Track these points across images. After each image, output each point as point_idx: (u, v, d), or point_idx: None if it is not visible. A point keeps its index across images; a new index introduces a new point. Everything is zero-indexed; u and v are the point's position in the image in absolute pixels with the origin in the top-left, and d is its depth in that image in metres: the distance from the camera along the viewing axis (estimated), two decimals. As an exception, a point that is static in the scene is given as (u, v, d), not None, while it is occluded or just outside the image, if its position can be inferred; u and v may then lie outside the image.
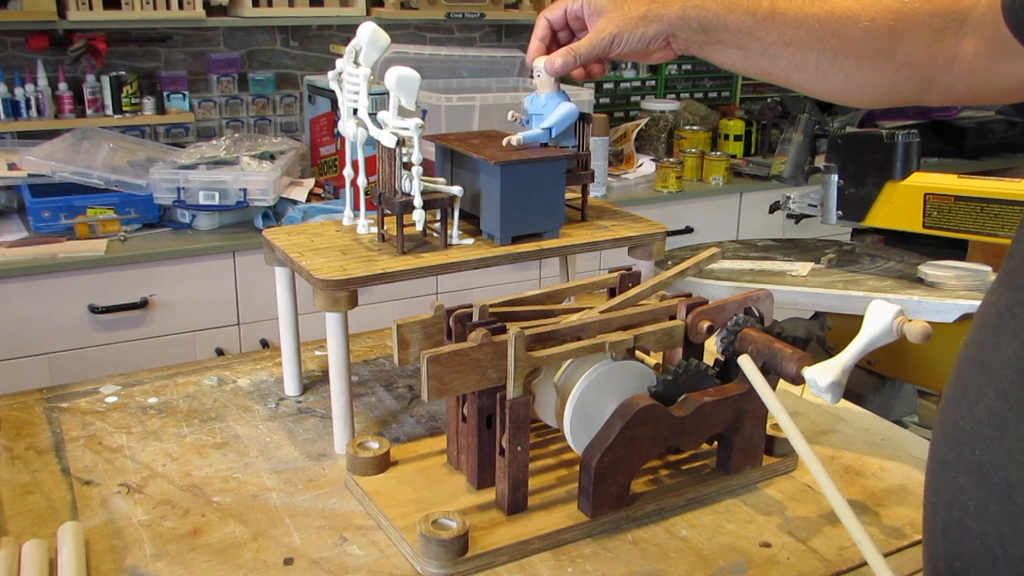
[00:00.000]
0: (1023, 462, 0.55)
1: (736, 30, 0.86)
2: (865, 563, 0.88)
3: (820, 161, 1.69)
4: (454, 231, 1.10)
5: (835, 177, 1.61)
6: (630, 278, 1.04)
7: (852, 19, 0.81)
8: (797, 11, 0.84)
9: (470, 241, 1.10)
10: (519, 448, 0.89)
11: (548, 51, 1.05)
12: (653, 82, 3.58)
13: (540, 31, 1.01)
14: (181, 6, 2.62)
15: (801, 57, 0.84)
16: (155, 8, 2.59)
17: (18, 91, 2.59)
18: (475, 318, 0.93)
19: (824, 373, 0.87)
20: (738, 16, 0.86)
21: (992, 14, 0.75)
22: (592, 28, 0.98)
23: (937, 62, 0.79)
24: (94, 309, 2.24)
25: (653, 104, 3.47)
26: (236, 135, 2.71)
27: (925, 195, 1.49)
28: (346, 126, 1.09)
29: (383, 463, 0.99)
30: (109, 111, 2.72)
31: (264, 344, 2.43)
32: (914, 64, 0.80)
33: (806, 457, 0.83)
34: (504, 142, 1.13)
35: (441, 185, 1.09)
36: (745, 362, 0.92)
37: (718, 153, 3.25)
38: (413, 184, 1.04)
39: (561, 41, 1.05)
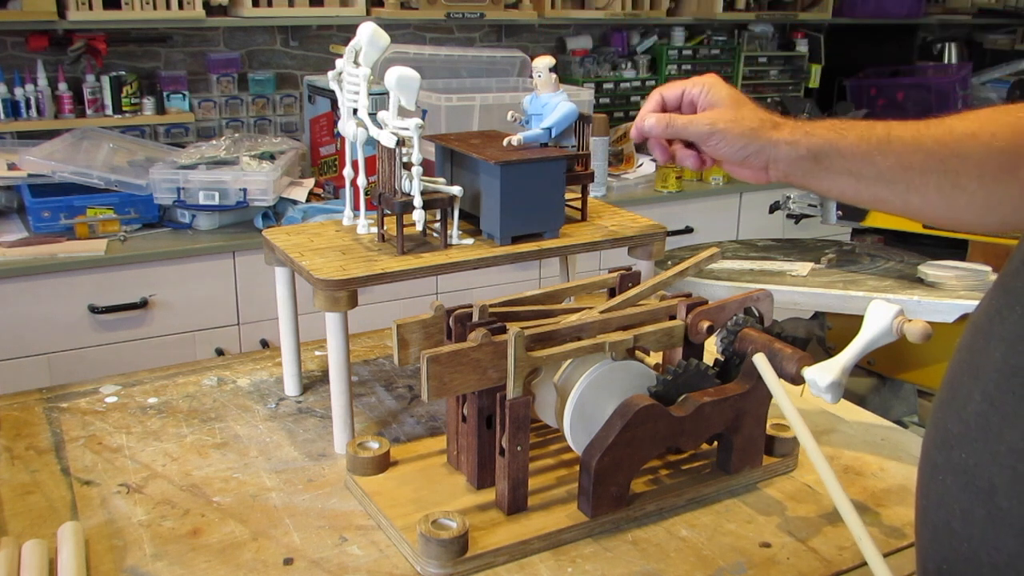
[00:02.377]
0: (1006, 465, 0.55)
1: (850, 156, 0.83)
2: (864, 564, 0.88)
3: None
4: (454, 231, 1.10)
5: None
6: (630, 278, 1.04)
7: (971, 137, 0.79)
8: (914, 134, 0.81)
9: (470, 241, 1.10)
10: (519, 448, 0.89)
11: None
12: (653, 82, 3.58)
13: (651, 104, 0.96)
14: (181, 6, 2.62)
15: (920, 181, 0.81)
16: (155, 8, 2.59)
17: (18, 91, 2.59)
18: (475, 318, 0.93)
19: (824, 373, 0.87)
20: (851, 141, 0.83)
21: None
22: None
23: None
24: (94, 309, 2.24)
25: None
26: (236, 135, 2.71)
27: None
28: (346, 126, 1.09)
29: (383, 463, 0.99)
30: (109, 111, 2.72)
31: (264, 344, 2.43)
32: None
33: (815, 459, 0.83)
34: (504, 142, 1.13)
35: (441, 185, 1.09)
36: (760, 360, 0.92)
37: (718, 153, 3.24)
38: (413, 184, 1.04)
39: None
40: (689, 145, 0.96)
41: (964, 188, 0.80)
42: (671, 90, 0.96)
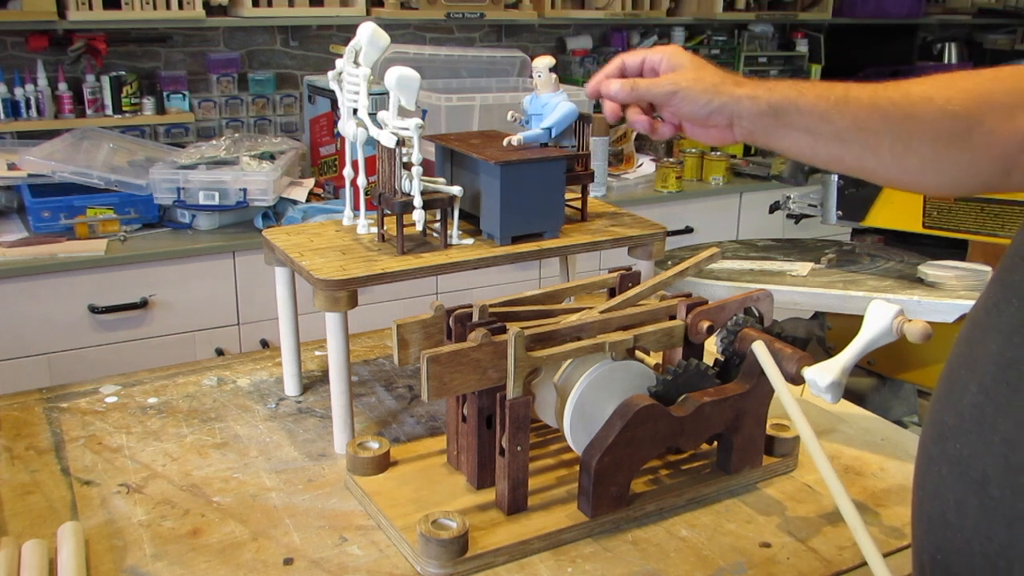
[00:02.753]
0: (999, 456, 0.55)
1: (808, 113, 0.84)
2: (864, 564, 0.88)
3: (820, 161, 1.69)
4: (454, 231, 1.10)
5: (835, 177, 1.61)
6: (630, 278, 1.04)
7: (926, 100, 0.80)
8: (871, 95, 0.82)
9: (470, 241, 1.10)
10: (519, 448, 0.89)
11: None
12: (653, 82, 3.59)
13: (611, 68, 0.97)
14: (181, 6, 2.62)
15: (875, 141, 0.82)
16: (155, 8, 2.59)
17: (18, 91, 2.59)
18: (475, 318, 0.93)
19: (824, 373, 0.87)
20: (810, 100, 0.84)
21: None
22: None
23: (1013, 143, 0.77)
24: (94, 309, 2.24)
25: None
26: (236, 135, 2.71)
27: (925, 195, 1.49)
28: (346, 126, 1.09)
29: (383, 463, 0.99)
30: (109, 111, 2.72)
31: (264, 344, 2.42)
32: (991, 145, 0.78)
33: (813, 449, 0.83)
34: (504, 142, 1.13)
35: (441, 185, 1.09)
36: (759, 348, 0.91)
37: (718, 153, 3.25)
38: (413, 184, 1.04)
39: None
40: (646, 112, 0.97)
41: (916, 151, 0.81)
42: (632, 57, 0.97)
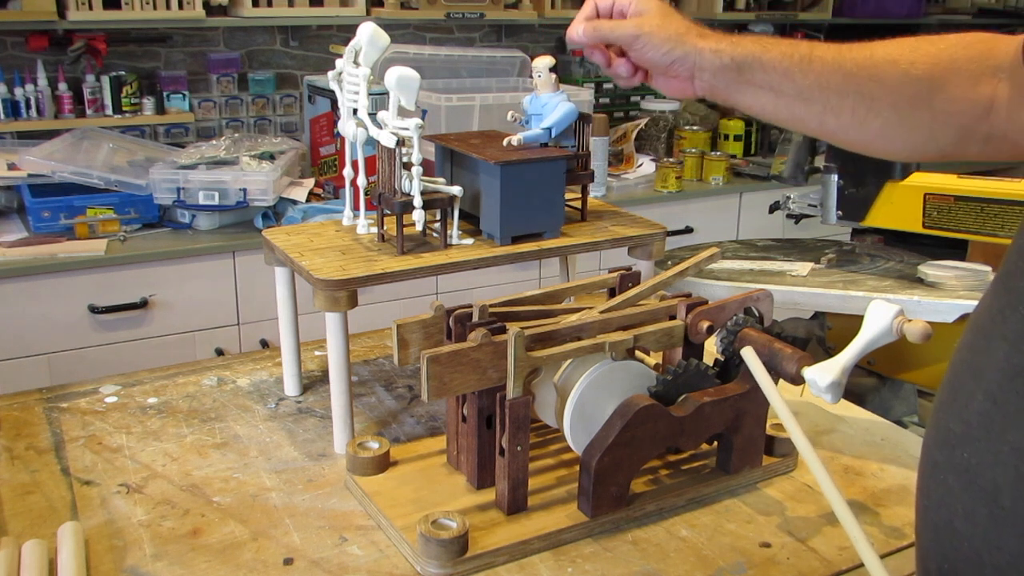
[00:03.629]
0: (1009, 465, 0.55)
1: (772, 69, 0.84)
2: (864, 564, 0.88)
3: (820, 161, 1.69)
4: (454, 231, 1.10)
5: (835, 177, 1.61)
6: (630, 278, 1.04)
7: (891, 63, 0.79)
8: (835, 55, 0.82)
9: (470, 241, 1.10)
10: (519, 448, 0.89)
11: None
12: (653, 82, 3.59)
13: (586, 9, 0.97)
14: (181, 6, 2.62)
15: (837, 102, 0.82)
16: (155, 8, 2.59)
17: (18, 91, 2.59)
18: (475, 318, 0.93)
19: (824, 373, 0.87)
20: (774, 56, 0.84)
21: (1019, 59, 0.74)
22: None
23: (975, 111, 0.77)
24: (94, 309, 2.24)
25: (653, 104, 3.47)
26: (236, 135, 2.71)
27: (925, 195, 1.49)
28: (346, 126, 1.09)
29: (383, 463, 0.99)
30: (109, 111, 2.72)
31: (264, 344, 2.42)
32: (952, 112, 0.78)
33: (804, 452, 0.83)
34: (504, 142, 1.13)
35: (441, 185, 1.09)
36: (748, 354, 0.92)
37: (718, 153, 3.25)
38: (413, 184, 1.04)
39: None
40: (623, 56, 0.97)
41: (879, 113, 0.81)
42: (604, 0, 0.97)
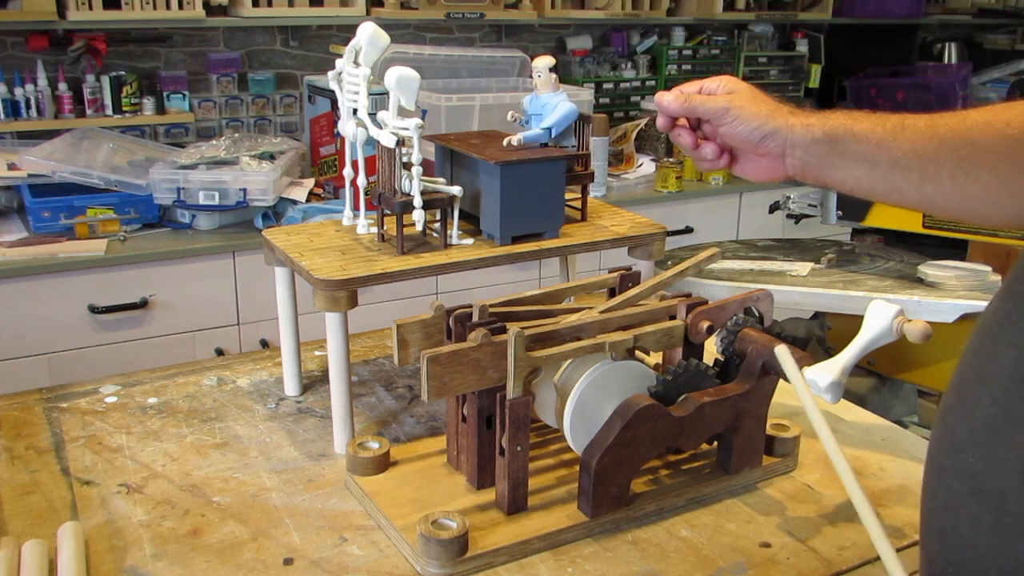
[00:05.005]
0: (1015, 471, 0.55)
1: (864, 140, 0.83)
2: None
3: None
4: (454, 231, 1.10)
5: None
6: (630, 278, 1.04)
7: (985, 125, 0.78)
8: (927, 122, 0.81)
9: (470, 241, 1.10)
10: (519, 448, 0.89)
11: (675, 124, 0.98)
12: (653, 82, 3.58)
13: (676, 89, 0.97)
14: (181, 6, 2.62)
15: (934, 169, 0.80)
16: (155, 8, 2.59)
17: (18, 91, 2.58)
18: (475, 318, 0.93)
19: (824, 373, 0.87)
20: (866, 127, 0.83)
21: None
22: None
23: None
24: (94, 309, 2.24)
25: (653, 104, 3.47)
26: (236, 135, 2.70)
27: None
28: (346, 126, 1.09)
29: (383, 463, 0.99)
30: (109, 111, 2.72)
31: (264, 344, 2.42)
32: None
33: (832, 454, 0.81)
34: (504, 142, 1.13)
35: (441, 185, 1.09)
36: (782, 353, 0.91)
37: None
38: (413, 184, 1.04)
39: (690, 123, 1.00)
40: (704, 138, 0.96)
41: (978, 177, 0.78)
42: (691, 85, 0.96)
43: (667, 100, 0.94)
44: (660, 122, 0.97)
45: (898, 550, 0.91)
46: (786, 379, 0.92)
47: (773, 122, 0.88)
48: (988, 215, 0.83)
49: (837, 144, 0.85)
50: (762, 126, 0.88)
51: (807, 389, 0.87)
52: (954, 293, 1.43)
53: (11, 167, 2.35)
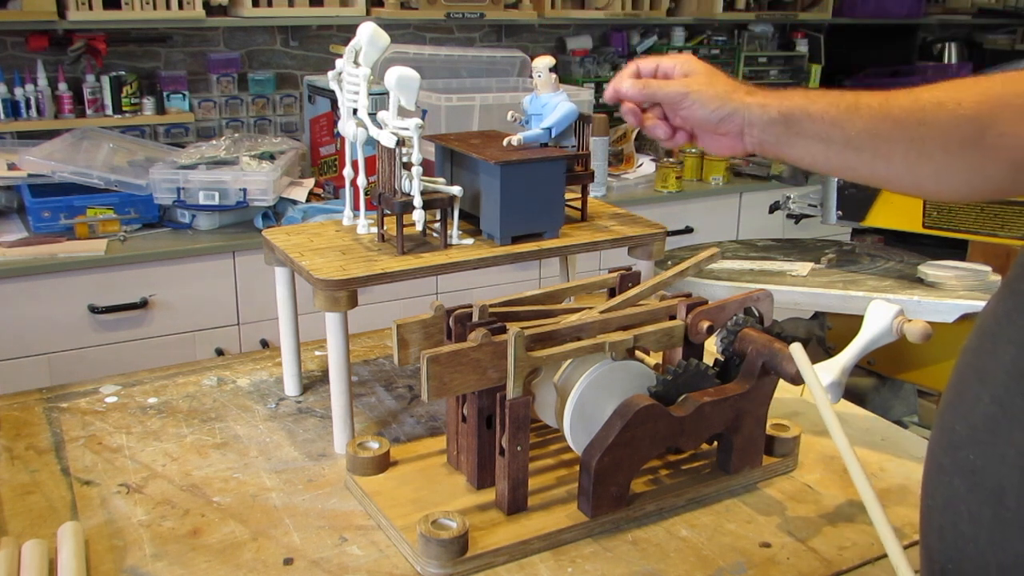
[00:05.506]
0: (1015, 468, 0.55)
1: (819, 120, 0.84)
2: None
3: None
4: (454, 231, 1.10)
5: (835, 177, 1.61)
6: (630, 278, 1.04)
7: (937, 106, 0.79)
8: (881, 102, 0.82)
9: (470, 241, 1.10)
10: (519, 448, 0.89)
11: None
12: (653, 82, 3.58)
13: (629, 69, 0.97)
14: (181, 6, 2.62)
15: (887, 148, 0.82)
16: (155, 8, 2.59)
17: (18, 91, 2.58)
18: (475, 318, 0.93)
19: (824, 373, 0.87)
20: (821, 107, 0.84)
21: None
22: None
23: None
24: (94, 309, 2.24)
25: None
26: (236, 135, 2.70)
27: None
28: (346, 126, 1.09)
29: (383, 463, 0.99)
30: (109, 111, 2.72)
31: (264, 344, 2.42)
32: (1004, 148, 0.77)
33: (845, 452, 0.81)
34: (504, 142, 1.13)
35: (441, 185, 1.09)
36: (797, 351, 0.90)
37: (718, 153, 3.24)
38: (413, 184, 1.04)
39: None
40: (663, 118, 0.97)
41: (930, 156, 0.80)
42: (646, 62, 0.97)
43: (627, 87, 0.95)
44: (609, 96, 0.97)
45: (898, 550, 0.91)
46: (787, 379, 0.92)
47: (731, 103, 0.88)
48: (939, 191, 0.85)
49: (793, 124, 0.86)
50: (720, 108, 0.89)
51: (821, 388, 0.87)
52: (954, 293, 1.43)
53: (11, 167, 2.35)
